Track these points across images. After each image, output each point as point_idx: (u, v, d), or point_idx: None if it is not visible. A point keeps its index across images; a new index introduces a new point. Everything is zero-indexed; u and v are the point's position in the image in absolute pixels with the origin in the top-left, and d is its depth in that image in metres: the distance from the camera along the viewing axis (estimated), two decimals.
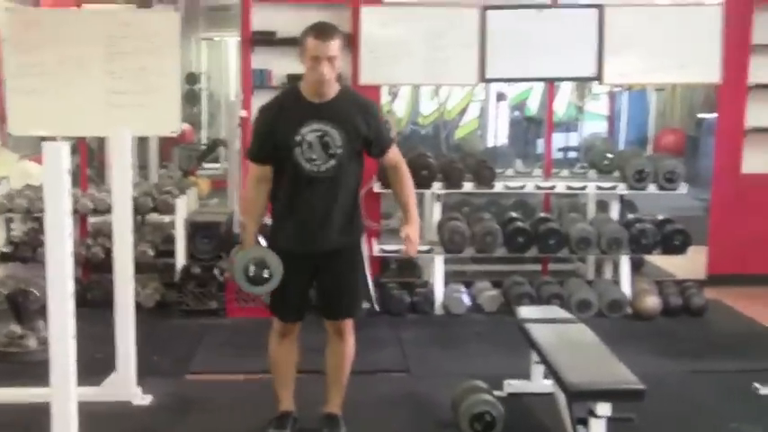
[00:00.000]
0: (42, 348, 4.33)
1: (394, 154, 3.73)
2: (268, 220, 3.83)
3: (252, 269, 3.58)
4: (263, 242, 3.72)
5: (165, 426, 3.99)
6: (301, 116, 3.55)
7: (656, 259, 6.78)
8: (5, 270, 6.18)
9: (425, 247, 6.03)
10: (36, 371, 3.98)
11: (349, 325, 3.74)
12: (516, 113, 14.23)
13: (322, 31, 3.48)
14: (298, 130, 3.53)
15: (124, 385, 4.20)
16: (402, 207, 3.83)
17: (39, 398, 3.51)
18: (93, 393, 4.01)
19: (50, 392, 3.11)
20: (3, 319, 5.26)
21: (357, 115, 3.59)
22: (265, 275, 3.57)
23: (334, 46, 3.47)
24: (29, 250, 6.10)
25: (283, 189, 3.65)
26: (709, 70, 6.37)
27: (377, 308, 3.83)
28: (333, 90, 3.58)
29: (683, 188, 6.12)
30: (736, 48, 6.41)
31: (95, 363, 4.29)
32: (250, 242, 3.67)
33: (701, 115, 11.96)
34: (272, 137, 3.59)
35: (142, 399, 4.23)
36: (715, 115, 7.21)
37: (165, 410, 4.17)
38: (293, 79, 6.42)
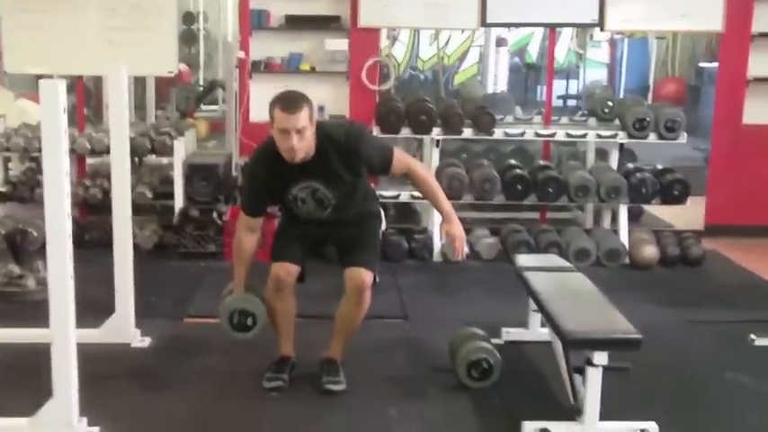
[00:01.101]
0: (41, 288, 4.34)
1: (398, 165, 3.69)
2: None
3: (236, 317, 3.75)
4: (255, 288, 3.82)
5: (163, 368, 4.01)
6: (287, 179, 3.60)
7: (655, 209, 6.79)
8: (4, 210, 6.17)
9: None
10: (35, 311, 3.98)
11: (368, 282, 3.66)
12: (516, 59, 14.14)
13: (289, 102, 3.43)
14: (288, 190, 3.62)
15: (123, 327, 4.22)
16: (434, 206, 3.86)
17: (38, 338, 3.51)
18: (92, 335, 4.02)
19: (50, 334, 3.11)
20: (1, 259, 5.25)
21: (342, 163, 3.56)
22: (248, 324, 3.75)
23: (303, 117, 3.40)
24: (27, 190, 6.08)
25: (286, 216, 3.82)
26: (711, 18, 6.33)
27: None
28: (310, 151, 3.51)
29: (683, 138, 6.09)
30: None
31: (94, 304, 4.27)
32: (239, 288, 3.77)
33: (702, 64, 11.89)
34: (263, 195, 3.70)
35: (141, 341, 4.25)
36: (716, 64, 7.16)
37: (163, 352, 4.19)
38: (291, 20, 6.36)
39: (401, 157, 3.72)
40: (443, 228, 3.69)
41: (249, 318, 3.73)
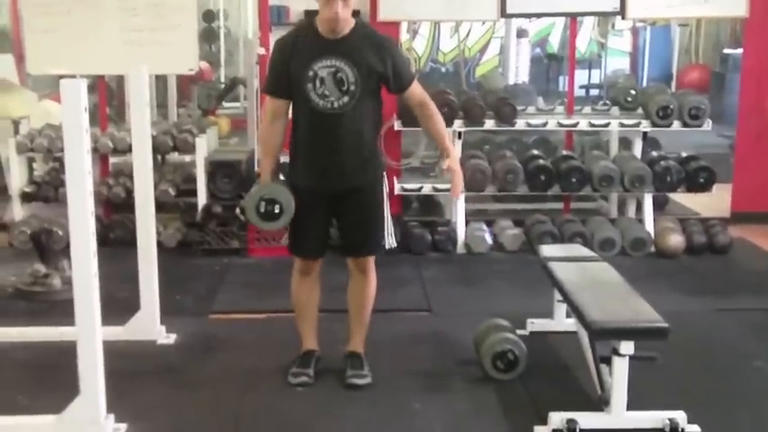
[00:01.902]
0: (66, 287, 4.36)
1: (416, 91, 3.67)
2: (286, 158, 3.80)
3: (263, 205, 3.60)
4: (282, 178, 3.71)
5: (189, 364, 4.02)
6: (314, 51, 3.52)
7: (680, 197, 6.74)
8: (29, 210, 6.21)
9: (446, 186, 6.00)
10: (61, 310, 4.02)
11: (371, 262, 3.74)
12: (537, 50, 14.07)
13: None
14: (310, 65, 3.51)
15: (148, 324, 4.23)
16: (436, 142, 3.84)
17: (64, 337, 3.54)
18: (118, 333, 4.05)
19: (76, 332, 3.12)
20: (27, 259, 5.29)
21: (372, 52, 3.54)
22: (276, 211, 3.59)
23: None
24: (51, 190, 6.12)
25: (299, 127, 3.64)
26: (735, 4, 6.24)
27: (394, 244, 3.81)
28: (348, 27, 3.52)
29: (707, 125, 6.03)
30: None
31: (119, 302, 4.32)
32: (266, 178, 3.68)
33: (726, 51, 11.76)
34: (286, 70, 3.57)
35: (166, 338, 4.26)
36: (741, 51, 7.07)
37: (189, 349, 4.20)
38: (310, 15, 6.33)
39: (420, 87, 3.72)
40: (445, 163, 3.67)
41: (276, 205, 3.59)
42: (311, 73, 3.51)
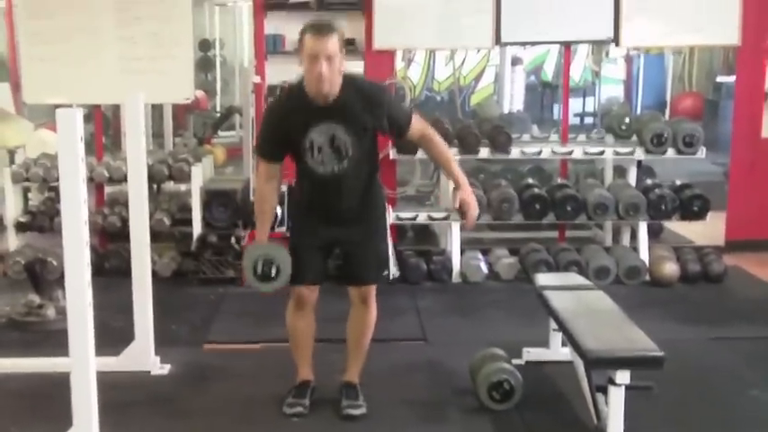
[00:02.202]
0: (61, 318, 4.35)
1: (416, 127, 3.66)
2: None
3: (260, 266, 3.61)
4: (278, 210, 3.73)
5: (184, 395, 4.00)
6: (308, 120, 3.51)
7: (675, 225, 6.74)
8: (23, 239, 6.20)
9: (442, 215, 6.02)
10: (55, 340, 4.02)
11: (372, 292, 3.73)
12: (532, 78, 14.13)
13: (318, 27, 3.41)
14: (306, 134, 3.51)
15: (143, 355, 4.22)
16: (446, 173, 3.82)
17: (58, 367, 3.53)
18: (112, 363, 4.03)
19: (69, 362, 3.11)
20: (21, 289, 5.28)
21: (366, 110, 3.52)
22: (273, 273, 3.61)
23: (332, 43, 3.38)
24: (46, 220, 6.11)
25: (300, 176, 3.68)
26: (727, 32, 6.27)
27: (397, 273, 3.81)
28: (335, 88, 3.46)
29: (701, 153, 6.05)
30: (756, 9, 6.29)
31: (114, 332, 4.30)
32: (261, 238, 3.68)
33: (719, 79, 11.82)
34: (279, 137, 3.58)
35: (161, 368, 4.24)
36: (734, 78, 7.11)
37: (183, 380, 4.18)
38: (299, 83, 6.36)
39: (419, 121, 3.71)
40: (456, 195, 3.64)
41: (273, 266, 3.59)
42: (308, 143, 3.51)
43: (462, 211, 3.64)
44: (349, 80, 3.53)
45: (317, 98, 3.46)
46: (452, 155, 3.77)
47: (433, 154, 3.78)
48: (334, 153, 3.52)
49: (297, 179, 3.73)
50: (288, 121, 3.53)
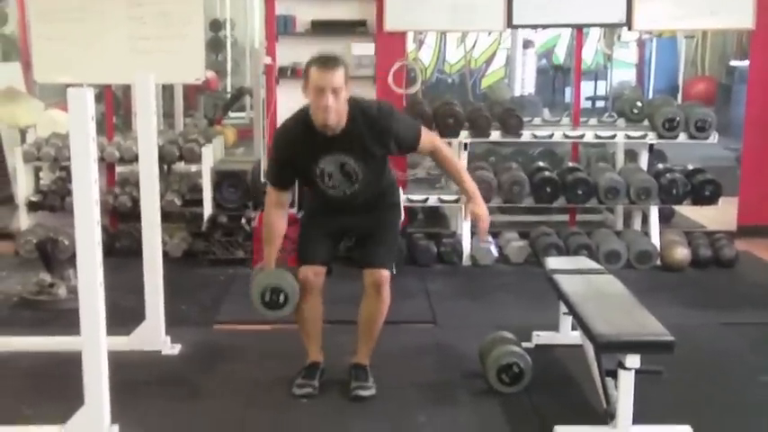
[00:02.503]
0: (72, 297, 4.37)
1: (425, 143, 3.67)
2: None
3: (268, 295, 3.67)
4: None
5: (194, 375, 4.01)
6: (317, 151, 3.54)
7: (686, 210, 6.72)
8: (34, 219, 6.22)
9: (452, 197, 6.01)
10: (66, 319, 4.04)
11: (386, 279, 3.70)
12: (543, 62, 14.07)
13: (325, 61, 3.42)
14: (316, 163, 3.55)
15: (153, 334, 4.23)
16: (457, 185, 3.82)
17: (69, 346, 3.53)
18: (122, 343, 4.05)
19: (81, 341, 3.12)
20: (33, 268, 5.30)
21: (372, 139, 3.53)
22: (280, 301, 3.66)
23: (339, 76, 3.39)
24: (57, 199, 6.13)
25: (311, 194, 3.76)
26: (741, 15, 6.23)
27: (394, 271, 3.84)
28: (342, 119, 3.48)
29: (713, 137, 6.02)
30: None
31: (124, 312, 4.31)
32: (270, 265, 3.71)
33: (732, 63, 11.75)
34: (289, 166, 3.62)
35: (171, 348, 4.26)
36: (747, 63, 7.06)
37: (193, 360, 4.19)
38: (317, 25, 6.37)
39: (428, 135, 3.72)
40: (467, 207, 3.68)
41: (281, 294, 3.65)
42: (318, 171, 3.57)
43: (476, 225, 3.69)
44: (355, 107, 3.53)
45: (325, 129, 3.48)
46: (463, 166, 3.79)
47: (443, 166, 3.82)
48: (344, 178, 3.58)
49: (309, 190, 3.79)
50: (296, 151, 3.57)
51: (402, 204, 3.93)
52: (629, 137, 6.18)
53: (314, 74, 3.41)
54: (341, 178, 3.58)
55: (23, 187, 6.20)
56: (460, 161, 3.82)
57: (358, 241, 3.80)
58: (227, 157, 7.00)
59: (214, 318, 4.80)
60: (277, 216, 3.69)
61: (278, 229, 3.70)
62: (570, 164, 6.39)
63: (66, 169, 6.27)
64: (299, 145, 3.55)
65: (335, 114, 3.43)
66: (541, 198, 5.99)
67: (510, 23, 6.28)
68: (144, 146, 4.17)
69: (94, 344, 3.12)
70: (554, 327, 4.29)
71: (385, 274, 3.68)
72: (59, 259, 5.21)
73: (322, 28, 6.41)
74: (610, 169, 6.23)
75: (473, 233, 5.94)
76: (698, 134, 5.98)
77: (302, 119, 3.55)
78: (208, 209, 5.96)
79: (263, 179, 6.23)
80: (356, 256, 3.80)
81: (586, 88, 11.79)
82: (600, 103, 12.60)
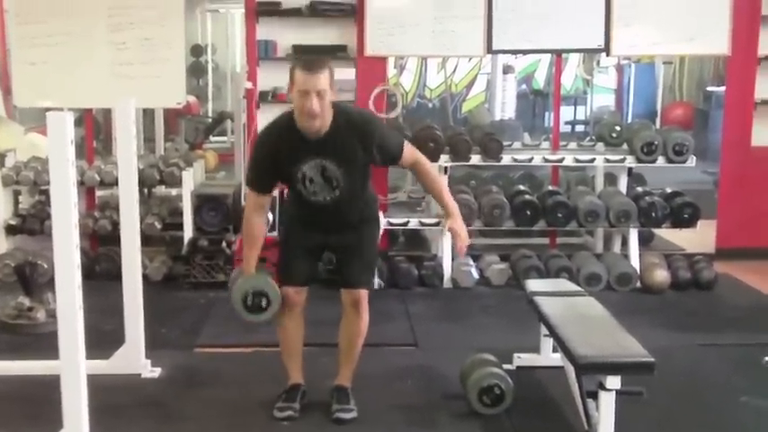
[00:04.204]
0: (51, 321, 4.34)
1: (407, 156, 3.68)
2: None
3: (250, 299, 3.64)
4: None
5: (174, 398, 3.99)
6: (299, 154, 3.53)
7: (665, 233, 6.76)
8: (14, 243, 6.18)
9: (433, 220, 6.02)
10: (45, 343, 4.00)
11: (365, 297, 3.71)
12: (524, 87, 14.19)
13: (309, 63, 3.44)
14: (297, 167, 3.54)
15: (133, 358, 4.20)
16: (437, 201, 3.83)
17: (48, 370, 3.51)
18: (102, 366, 4.02)
19: (59, 365, 3.10)
20: (11, 292, 5.26)
21: (357, 143, 3.53)
22: (263, 305, 3.63)
23: (323, 78, 3.40)
24: (36, 223, 6.09)
25: (291, 198, 3.73)
26: (718, 42, 6.32)
27: (381, 284, 3.84)
28: (326, 123, 3.48)
29: (691, 161, 6.08)
30: (746, 19, 6.34)
31: (104, 335, 4.29)
32: (250, 270, 3.69)
33: (709, 88, 11.89)
34: (270, 171, 3.61)
35: (151, 371, 4.23)
36: (724, 88, 7.15)
37: (174, 383, 4.17)
38: (298, 50, 6.39)
39: (411, 148, 3.73)
40: (447, 224, 3.69)
41: (263, 298, 3.62)
42: (299, 175, 3.55)
43: (454, 241, 3.70)
44: (339, 112, 3.54)
45: (308, 132, 3.48)
46: (444, 183, 3.80)
47: (424, 182, 3.82)
48: (325, 183, 3.56)
49: (289, 197, 3.76)
50: (278, 154, 3.55)
51: (381, 219, 3.93)
52: (608, 160, 6.23)
53: (299, 76, 3.40)
54: (322, 183, 3.55)
55: (2, 211, 6.16)
56: (441, 177, 3.78)
57: (337, 261, 3.79)
58: (208, 181, 6.99)
59: (194, 341, 4.77)
60: (257, 220, 3.67)
61: (258, 232, 3.68)
62: (550, 187, 6.43)
63: (46, 193, 6.24)
64: (282, 147, 3.54)
65: (320, 118, 3.43)
66: (522, 221, 6.01)
67: (490, 49, 6.34)
68: (124, 170, 4.16)
69: (73, 367, 3.10)
70: (535, 349, 4.30)
71: (363, 293, 3.69)
72: (38, 283, 5.18)
73: (303, 52, 6.42)
74: (590, 192, 6.27)
75: (453, 256, 5.95)
76: (676, 158, 6.03)
77: (285, 122, 3.55)
78: (188, 232, 5.95)
79: (243, 203, 6.23)
80: (335, 277, 3.79)
81: (566, 113, 11.91)
82: (579, 128, 12.72)
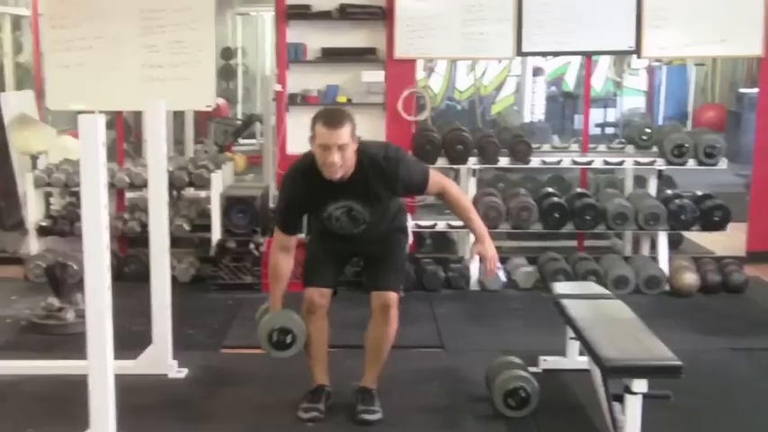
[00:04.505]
0: (80, 321, 4.38)
1: (433, 187, 3.69)
2: None
3: (275, 335, 3.70)
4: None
5: (200, 399, 4.02)
6: (325, 197, 3.58)
7: (695, 236, 6.70)
8: (44, 244, 6.25)
9: (460, 223, 5.99)
10: (73, 343, 4.05)
11: (395, 302, 3.70)
12: (553, 89, 14.12)
13: (331, 118, 3.44)
14: (324, 208, 3.60)
15: (160, 358, 4.23)
16: (468, 227, 3.82)
17: (76, 370, 3.55)
18: (129, 366, 4.05)
19: (87, 365, 3.13)
20: (41, 292, 5.32)
21: (379, 184, 3.55)
22: (288, 341, 3.69)
23: (344, 134, 3.41)
24: (67, 224, 6.16)
25: (315, 232, 3.81)
26: (751, 43, 6.24)
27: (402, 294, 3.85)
28: (349, 170, 3.51)
29: (723, 164, 6.02)
30: None
31: (132, 336, 4.33)
32: (276, 306, 3.74)
33: (742, 90, 11.77)
34: (298, 212, 3.72)
35: (178, 372, 4.26)
36: (757, 90, 7.07)
37: (200, 384, 4.20)
38: (328, 53, 6.42)
39: (437, 178, 3.73)
40: (475, 248, 3.70)
41: (288, 335, 3.67)
42: (326, 215, 3.62)
43: (483, 265, 3.71)
44: (363, 154, 3.54)
45: (333, 178, 3.51)
46: (471, 206, 3.79)
47: (452, 208, 3.80)
48: (351, 222, 3.63)
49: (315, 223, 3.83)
50: (304, 197, 3.61)
51: (409, 228, 3.94)
52: (637, 163, 6.19)
53: (320, 131, 3.43)
54: (348, 222, 3.62)
55: (34, 212, 6.23)
56: (469, 201, 3.79)
57: (365, 264, 3.82)
58: (237, 183, 7.03)
59: (221, 342, 4.80)
60: (283, 259, 3.71)
61: (283, 270, 3.72)
62: (579, 190, 6.39)
63: (77, 195, 6.31)
64: (307, 191, 3.58)
65: (342, 169, 3.46)
66: (550, 224, 5.99)
67: (520, 51, 6.32)
68: (154, 172, 4.20)
69: (101, 367, 3.13)
70: (561, 351, 4.27)
71: (392, 296, 3.69)
72: (68, 284, 5.23)
73: (332, 55, 6.46)
74: (618, 195, 6.23)
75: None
76: (707, 160, 5.98)
77: (309, 165, 3.55)
78: (216, 234, 5.99)
79: (271, 204, 6.27)
80: (363, 279, 3.81)
81: (596, 115, 11.83)
82: (609, 130, 12.63)
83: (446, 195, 3.73)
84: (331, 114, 3.48)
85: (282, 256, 3.71)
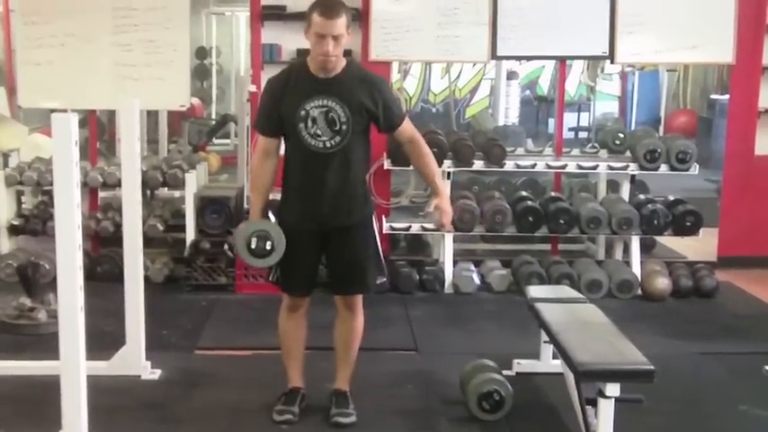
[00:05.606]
0: (52, 321, 4.35)
1: (407, 128, 3.69)
2: (278, 196, 3.80)
3: (254, 242, 3.59)
4: (272, 218, 3.71)
5: (173, 400, 3.99)
6: (306, 91, 3.53)
7: (667, 240, 6.75)
8: (16, 243, 6.20)
9: (434, 225, 6.03)
10: (45, 344, 4.01)
11: (359, 300, 3.73)
12: (527, 92, 14.20)
13: (328, 7, 3.43)
14: (302, 104, 3.52)
15: (133, 359, 4.20)
16: (427, 181, 3.85)
17: (48, 371, 3.51)
18: (102, 367, 4.03)
19: (60, 366, 3.10)
20: (13, 292, 5.26)
21: (363, 91, 3.56)
22: (267, 248, 3.58)
23: (341, 24, 3.42)
24: (39, 223, 6.10)
25: (291, 165, 3.66)
26: (722, 50, 6.31)
27: (384, 279, 3.82)
28: (339, 66, 3.54)
29: (694, 169, 6.07)
30: (751, 27, 6.34)
31: (105, 336, 4.30)
32: (256, 215, 3.67)
33: (713, 96, 11.89)
34: (277, 109, 3.59)
35: (151, 373, 4.23)
36: (728, 97, 7.15)
37: (173, 385, 4.17)
38: (303, 54, 6.39)
39: (411, 124, 3.73)
40: (435, 201, 3.70)
41: (267, 242, 3.57)
42: (303, 112, 3.52)
43: (439, 217, 3.72)
44: (352, 62, 3.66)
45: (319, 72, 3.52)
46: (435, 162, 3.79)
47: (418, 161, 3.75)
48: (328, 126, 3.53)
49: (286, 161, 3.68)
50: (287, 91, 3.57)
51: (376, 224, 3.88)
52: (611, 167, 6.23)
53: (316, 20, 3.42)
54: (324, 126, 3.52)
55: (5, 211, 6.17)
56: (434, 159, 3.79)
57: (333, 267, 3.74)
58: (211, 184, 7.00)
59: (195, 343, 4.77)
60: (265, 166, 3.65)
61: (266, 177, 3.67)
62: (553, 194, 6.42)
63: (49, 194, 6.25)
64: (291, 84, 3.57)
65: (334, 60, 3.48)
66: (524, 227, 6.02)
67: (494, 55, 6.34)
68: (127, 171, 4.17)
69: (73, 368, 3.10)
70: (535, 355, 4.30)
71: (357, 297, 3.71)
72: (40, 283, 5.18)
73: (306, 56, 6.43)
74: (592, 199, 6.27)
75: (456, 261, 5.95)
76: (679, 165, 6.03)
77: (298, 62, 3.66)
78: (190, 234, 5.95)
79: (246, 206, 6.24)
80: (330, 280, 3.76)
81: (569, 119, 11.92)
82: (583, 134, 12.71)
83: (415, 144, 3.71)
84: (328, 4, 3.47)
85: (265, 161, 3.65)
